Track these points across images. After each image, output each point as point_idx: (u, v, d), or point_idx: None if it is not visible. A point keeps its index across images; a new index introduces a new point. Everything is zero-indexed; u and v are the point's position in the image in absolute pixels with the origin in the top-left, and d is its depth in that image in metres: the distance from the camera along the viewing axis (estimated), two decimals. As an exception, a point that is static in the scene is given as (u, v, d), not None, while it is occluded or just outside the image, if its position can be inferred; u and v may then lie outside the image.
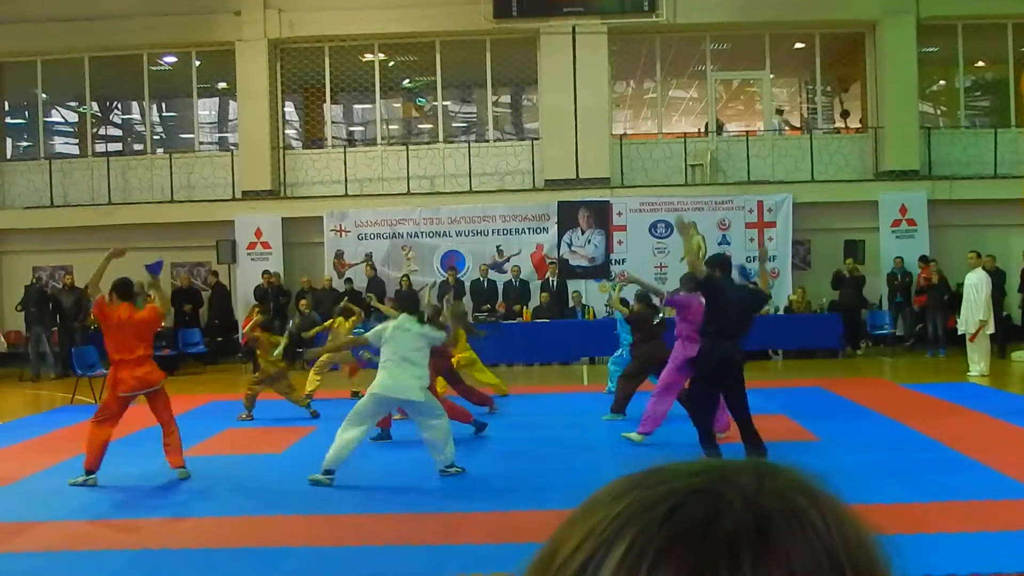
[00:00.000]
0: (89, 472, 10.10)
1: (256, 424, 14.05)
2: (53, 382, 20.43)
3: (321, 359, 15.33)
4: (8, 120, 26.77)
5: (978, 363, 18.06)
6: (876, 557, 0.80)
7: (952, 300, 21.59)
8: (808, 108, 26.40)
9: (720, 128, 25.01)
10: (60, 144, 27.26)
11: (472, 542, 7.83)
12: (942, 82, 26.34)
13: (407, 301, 11.12)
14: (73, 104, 27.08)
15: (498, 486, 9.92)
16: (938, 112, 26.28)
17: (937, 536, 7.53)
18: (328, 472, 9.88)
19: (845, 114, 25.68)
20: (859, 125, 24.90)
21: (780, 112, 26.59)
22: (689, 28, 23.79)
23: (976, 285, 18.23)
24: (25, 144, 27.08)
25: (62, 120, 27.91)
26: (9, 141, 26.78)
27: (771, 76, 25.20)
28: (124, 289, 10.71)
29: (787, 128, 25.81)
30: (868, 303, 22.53)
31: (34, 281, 23.39)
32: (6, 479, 10.46)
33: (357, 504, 9.37)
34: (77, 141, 26.95)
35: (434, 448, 10.20)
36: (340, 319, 15.83)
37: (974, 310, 18.14)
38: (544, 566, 0.80)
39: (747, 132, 25.32)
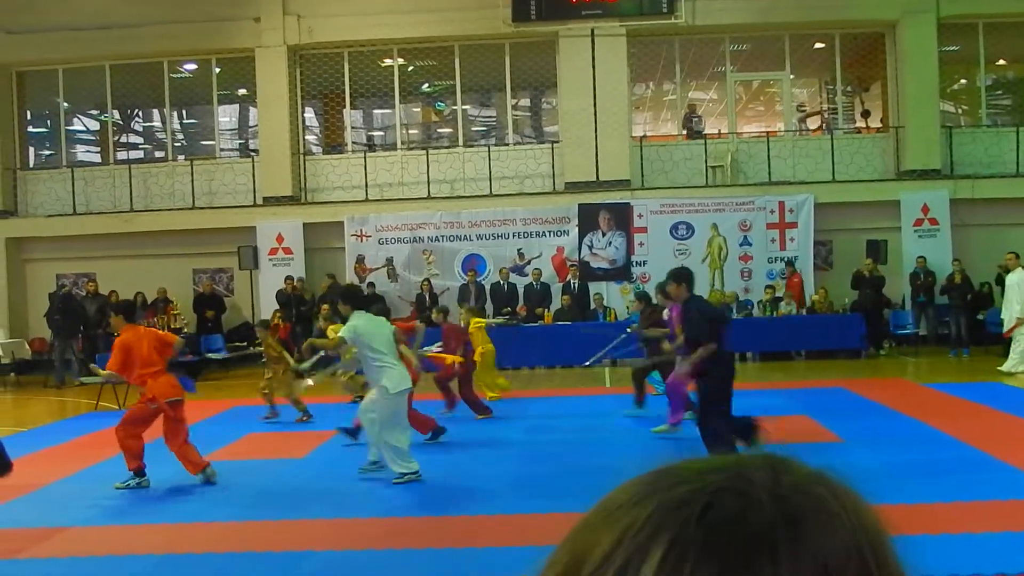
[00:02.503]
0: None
1: (278, 428, 14.10)
2: (77, 389, 20.52)
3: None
4: (30, 129, 26.90)
5: (1013, 358, 18.08)
6: (891, 546, 0.82)
7: (976, 300, 21.51)
8: (828, 108, 26.30)
9: (694, 117, 24.97)
10: (82, 152, 27.42)
11: (494, 545, 7.83)
12: (963, 81, 26.18)
13: (358, 299, 10.98)
14: (94, 112, 27.24)
15: (520, 489, 9.91)
16: (959, 111, 26.13)
17: (962, 536, 7.50)
18: (409, 471, 10.18)
19: (866, 114, 25.55)
20: (880, 125, 24.78)
21: (804, 117, 26.48)
22: (708, 30, 23.73)
23: (1020, 284, 18.31)
24: (47, 152, 27.23)
25: (84, 128, 28.06)
26: (31, 150, 26.93)
27: (791, 76, 25.12)
28: (130, 310, 11.17)
29: (809, 130, 25.70)
30: (891, 303, 22.42)
31: (58, 288, 23.52)
32: (32, 485, 10.51)
33: (378, 508, 9.37)
34: (99, 149, 27.09)
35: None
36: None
37: (1015, 309, 18.21)
38: (572, 574, 0.80)
39: (767, 133, 25.24)
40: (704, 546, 0.76)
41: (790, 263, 22.51)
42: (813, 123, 26.33)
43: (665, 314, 12.65)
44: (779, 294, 22.10)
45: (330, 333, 15.20)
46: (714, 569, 0.75)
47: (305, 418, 14.51)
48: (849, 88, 25.80)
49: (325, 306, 21.09)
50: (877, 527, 0.82)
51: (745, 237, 22.92)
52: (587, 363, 15.77)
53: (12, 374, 22.77)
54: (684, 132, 24.75)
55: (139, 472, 10.33)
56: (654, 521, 0.78)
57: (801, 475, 0.83)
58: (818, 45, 25.02)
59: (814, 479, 0.83)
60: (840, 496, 0.82)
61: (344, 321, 10.69)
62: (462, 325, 15.18)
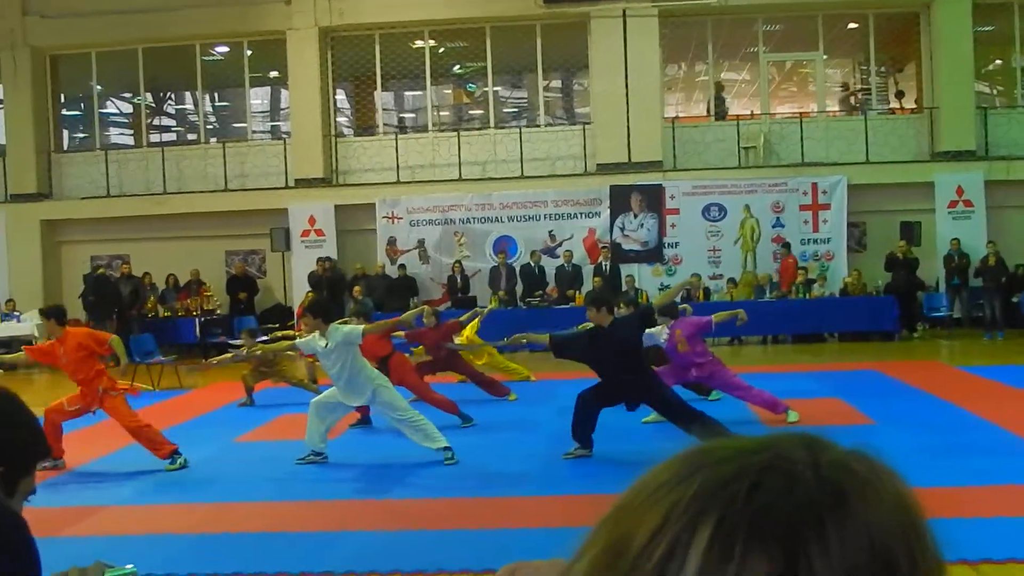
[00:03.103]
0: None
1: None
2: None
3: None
4: (64, 112, 27.10)
5: None
6: (928, 525, 0.83)
7: (1011, 282, 21.36)
8: (862, 89, 26.10)
9: (721, 98, 24.85)
10: (115, 135, 27.61)
11: (527, 526, 7.84)
12: (998, 61, 25.92)
13: (330, 313, 10.97)
14: (127, 95, 27.40)
15: (551, 470, 9.93)
16: (994, 92, 25.89)
17: (996, 520, 7.45)
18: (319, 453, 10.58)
19: (900, 94, 25.35)
20: (914, 105, 24.60)
21: (847, 96, 26.30)
22: (741, 10, 23.60)
23: None
24: (81, 135, 27.43)
25: (117, 111, 28.25)
26: (65, 132, 27.13)
27: (824, 57, 24.95)
28: (61, 314, 11.15)
29: (853, 108, 25.52)
30: (924, 285, 22.28)
31: (92, 270, 23.72)
32: (69, 465, 10.63)
33: (412, 489, 9.42)
34: (132, 132, 27.27)
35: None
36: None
37: None
38: (616, 554, 0.80)
39: (800, 113, 25.08)
40: (752, 524, 0.76)
41: (786, 246, 22.38)
42: (856, 101, 26.17)
43: (663, 335, 11.82)
44: (812, 276, 22.01)
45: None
46: (764, 547, 0.75)
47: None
48: (883, 69, 25.58)
49: (357, 288, 21.24)
50: (916, 505, 0.83)
51: (778, 219, 22.81)
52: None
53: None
54: (713, 113, 24.65)
55: (177, 451, 10.43)
56: (700, 499, 0.78)
57: (839, 453, 0.83)
58: (851, 25, 24.84)
59: (853, 457, 0.83)
60: (880, 474, 0.83)
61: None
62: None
